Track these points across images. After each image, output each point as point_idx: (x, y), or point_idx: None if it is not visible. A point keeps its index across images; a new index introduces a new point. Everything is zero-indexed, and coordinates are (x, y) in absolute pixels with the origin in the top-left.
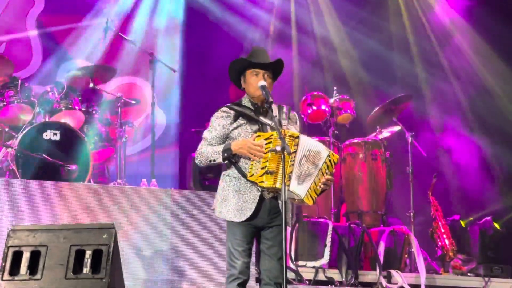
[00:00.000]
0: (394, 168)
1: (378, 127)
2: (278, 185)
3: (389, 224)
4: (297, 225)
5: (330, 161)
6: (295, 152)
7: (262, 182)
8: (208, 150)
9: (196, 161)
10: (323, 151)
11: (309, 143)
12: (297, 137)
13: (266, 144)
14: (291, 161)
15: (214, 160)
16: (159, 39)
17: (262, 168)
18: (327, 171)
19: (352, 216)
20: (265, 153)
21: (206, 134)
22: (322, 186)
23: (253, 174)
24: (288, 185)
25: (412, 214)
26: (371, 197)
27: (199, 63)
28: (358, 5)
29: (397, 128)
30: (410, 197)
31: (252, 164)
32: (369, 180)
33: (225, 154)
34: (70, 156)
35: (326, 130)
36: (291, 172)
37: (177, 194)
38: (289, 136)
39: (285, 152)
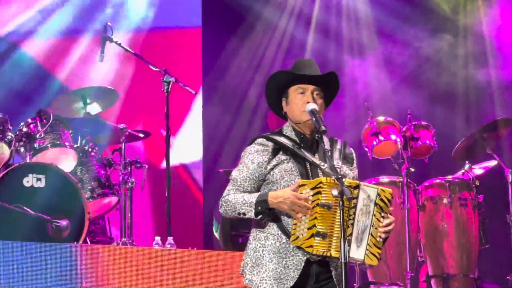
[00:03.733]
0: (490, 217)
1: (467, 162)
2: (333, 253)
3: None
4: None
5: (382, 200)
6: (354, 207)
7: (311, 247)
8: (237, 199)
9: (221, 210)
10: (372, 192)
11: (365, 191)
12: (357, 187)
13: (313, 195)
14: (350, 218)
15: (244, 214)
16: (173, 52)
17: (309, 229)
18: (382, 214)
19: (436, 281)
20: (312, 207)
21: (235, 174)
22: (383, 236)
23: (298, 237)
24: (348, 251)
25: None
26: (460, 256)
27: (226, 83)
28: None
29: (493, 163)
30: None
31: (296, 224)
32: (457, 233)
33: (259, 208)
34: (60, 208)
35: (398, 168)
36: (350, 235)
37: (201, 256)
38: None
39: (344, 199)
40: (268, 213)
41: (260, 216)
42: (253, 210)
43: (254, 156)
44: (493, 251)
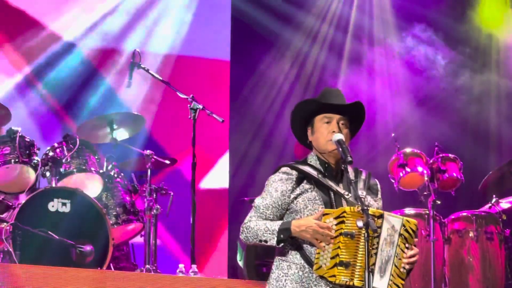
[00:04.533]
0: None
1: (494, 196)
2: (356, 282)
3: None
4: None
5: (406, 231)
6: (378, 236)
7: (334, 276)
8: (259, 225)
9: (241, 236)
10: (396, 222)
11: (389, 221)
12: (381, 216)
13: (336, 224)
14: (373, 248)
15: (266, 241)
16: (201, 79)
17: (332, 258)
18: (406, 245)
19: None
20: (336, 236)
21: (258, 201)
22: (407, 267)
23: (321, 266)
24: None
25: None
26: None
27: (254, 111)
28: None
29: None
30: None
31: (319, 253)
32: (483, 267)
33: (281, 236)
34: (84, 233)
35: (425, 200)
36: (374, 264)
37: (226, 285)
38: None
39: (369, 230)
40: (291, 242)
41: (282, 244)
42: (276, 238)
43: (278, 184)
44: None
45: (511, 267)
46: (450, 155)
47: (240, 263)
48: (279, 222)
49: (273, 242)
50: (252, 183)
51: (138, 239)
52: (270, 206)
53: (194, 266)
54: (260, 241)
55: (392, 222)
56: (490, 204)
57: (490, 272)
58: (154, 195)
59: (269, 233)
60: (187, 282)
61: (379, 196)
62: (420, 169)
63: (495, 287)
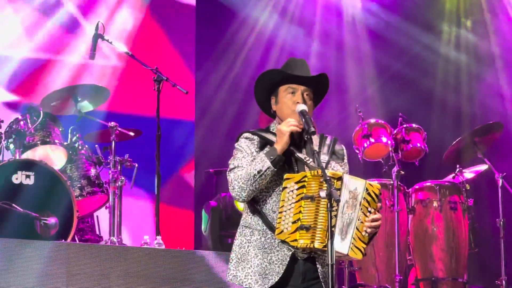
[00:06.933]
0: (480, 221)
1: (458, 166)
2: (317, 244)
3: None
4: None
5: (369, 194)
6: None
7: (295, 241)
8: (246, 169)
9: (234, 193)
10: (359, 185)
11: (350, 184)
12: (340, 178)
13: (297, 189)
14: (333, 210)
15: (261, 171)
16: (164, 50)
17: (293, 222)
18: (369, 208)
19: (425, 285)
20: (297, 201)
21: (234, 162)
22: (368, 230)
23: (282, 231)
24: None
25: (504, 282)
26: (449, 260)
27: (219, 82)
28: None
29: (483, 167)
30: (501, 260)
31: (280, 217)
32: (447, 236)
33: (271, 157)
34: (48, 205)
35: (389, 170)
36: (334, 226)
37: (189, 256)
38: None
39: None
40: (252, 209)
41: (278, 166)
42: (267, 160)
43: (243, 147)
44: (482, 255)
45: (474, 236)
46: (414, 125)
47: (205, 234)
48: (261, 154)
49: (268, 165)
50: (219, 155)
51: (103, 211)
52: (246, 162)
53: (159, 238)
54: (254, 176)
55: (355, 185)
56: (453, 174)
57: (453, 241)
58: (119, 167)
59: (259, 163)
60: (152, 253)
61: (345, 161)
62: (384, 139)
63: (459, 256)
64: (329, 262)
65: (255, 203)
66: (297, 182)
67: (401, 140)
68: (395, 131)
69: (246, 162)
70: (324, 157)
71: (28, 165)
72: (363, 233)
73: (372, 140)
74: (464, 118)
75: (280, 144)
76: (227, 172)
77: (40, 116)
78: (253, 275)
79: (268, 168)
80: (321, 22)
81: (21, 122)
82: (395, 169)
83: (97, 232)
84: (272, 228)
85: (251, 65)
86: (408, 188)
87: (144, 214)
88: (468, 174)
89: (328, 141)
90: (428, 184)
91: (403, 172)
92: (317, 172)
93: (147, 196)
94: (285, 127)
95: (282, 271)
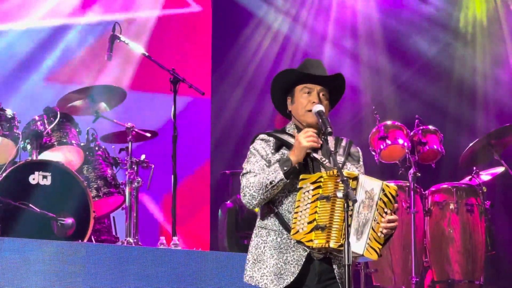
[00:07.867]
0: (497, 223)
1: (474, 168)
2: (332, 244)
3: None
4: None
5: (386, 195)
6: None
7: (311, 241)
8: (258, 177)
9: (245, 200)
10: (376, 185)
11: (366, 184)
12: (355, 178)
13: (313, 189)
14: (349, 210)
15: (273, 182)
16: (181, 52)
17: (309, 223)
18: (385, 209)
19: (441, 287)
20: (312, 201)
21: (247, 166)
22: (384, 231)
23: (298, 231)
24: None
25: None
26: (465, 262)
27: (235, 83)
28: None
29: (500, 169)
30: None
31: (296, 218)
32: (463, 239)
33: (285, 168)
34: (65, 206)
35: (405, 172)
36: (349, 226)
37: (205, 257)
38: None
39: (349, 201)
40: (267, 209)
41: (290, 178)
42: (280, 172)
43: (258, 149)
44: (499, 257)
45: (490, 238)
46: (430, 127)
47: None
48: (276, 163)
49: (280, 176)
50: (234, 157)
51: (120, 212)
52: (259, 165)
53: (175, 239)
54: (266, 186)
55: (371, 185)
56: (470, 176)
57: (470, 243)
58: (135, 167)
59: (272, 173)
60: (168, 254)
61: (361, 163)
62: (400, 141)
63: (475, 259)
64: (346, 263)
65: (271, 204)
66: (313, 183)
67: (418, 142)
68: (411, 133)
69: (259, 167)
70: (340, 158)
71: (45, 165)
72: (379, 233)
73: (388, 142)
74: (480, 121)
75: (296, 156)
76: (240, 176)
77: (57, 117)
78: (269, 275)
79: (280, 180)
80: (336, 24)
81: (38, 123)
82: (411, 171)
83: (114, 233)
84: (288, 229)
85: (267, 66)
86: (424, 190)
87: (160, 215)
88: (485, 176)
89: (343, 143)
90: (444, 186)
91: (419, 174)
92: (333, 172)
93: (163, 197)
94: (304, 141)
95: (298, 271)
